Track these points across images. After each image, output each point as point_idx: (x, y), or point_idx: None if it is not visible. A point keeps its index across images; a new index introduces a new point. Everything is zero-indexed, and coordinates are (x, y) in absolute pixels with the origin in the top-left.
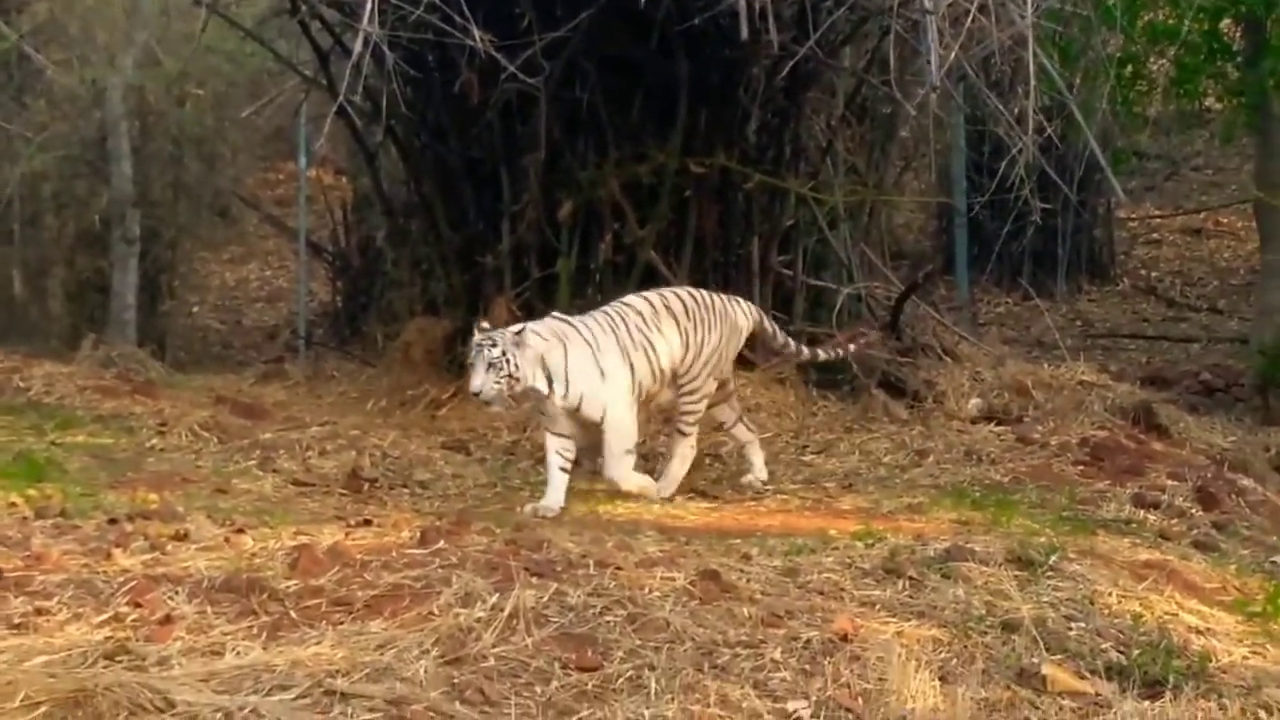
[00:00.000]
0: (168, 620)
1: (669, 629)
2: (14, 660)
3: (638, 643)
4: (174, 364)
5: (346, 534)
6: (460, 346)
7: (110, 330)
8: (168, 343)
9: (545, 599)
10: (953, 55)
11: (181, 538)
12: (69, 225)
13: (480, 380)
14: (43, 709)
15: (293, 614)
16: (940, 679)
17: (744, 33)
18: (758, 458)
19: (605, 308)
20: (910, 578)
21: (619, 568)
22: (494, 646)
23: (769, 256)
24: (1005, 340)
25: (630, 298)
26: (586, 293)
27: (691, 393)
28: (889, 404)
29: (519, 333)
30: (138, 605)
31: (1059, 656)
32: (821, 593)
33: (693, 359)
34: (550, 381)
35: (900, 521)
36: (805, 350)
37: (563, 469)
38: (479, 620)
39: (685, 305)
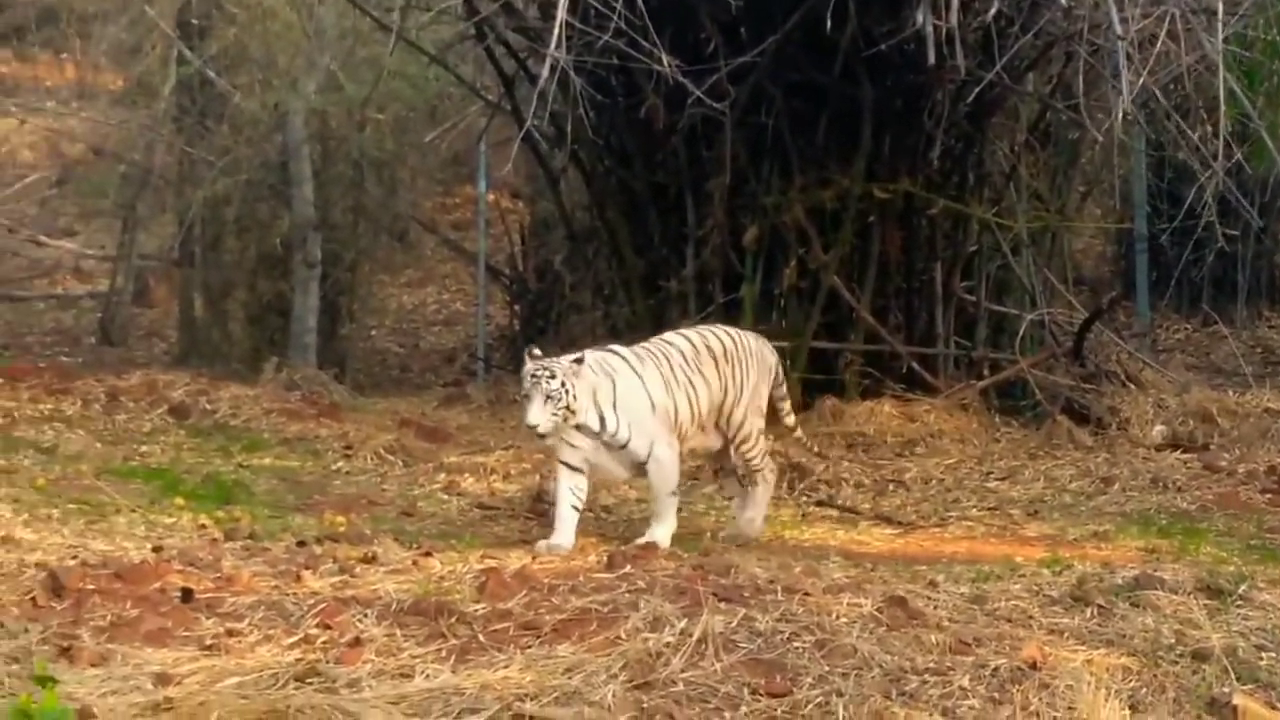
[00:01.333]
0: (357, 642)
1: (857, 655)
2: (207, 681)
3: (826, 669)
4: (354, 386)
5: (533, 557)
6: None
7: (291, 353)
8: (347, 365)
9: (734, 624)
10: (1141, 80)
11: (370, 560)
12: (250, 249)
13: (537, 413)
14: None
15: (481, 637)
16: (1130, 708)
17: (929, 58)
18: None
19: (647, 343)
20: (1099, 606)
21: (807, 594)
22: (682, 671)
23: (952, 282)
24: (1186, 367)
25: (671, 335)
26: (770, 318)
27: (744, 440)
28: (1073, 430)
29: (577, 360)
30: (327, 627)
31: (1250, 686)
32: (1009, 620)
33: (732, 404)
34: (602, 417)
35: (1087, 549)
36: (789, 416)
37: (574, 507)
38: (667, 645)
39: (724, 346)
